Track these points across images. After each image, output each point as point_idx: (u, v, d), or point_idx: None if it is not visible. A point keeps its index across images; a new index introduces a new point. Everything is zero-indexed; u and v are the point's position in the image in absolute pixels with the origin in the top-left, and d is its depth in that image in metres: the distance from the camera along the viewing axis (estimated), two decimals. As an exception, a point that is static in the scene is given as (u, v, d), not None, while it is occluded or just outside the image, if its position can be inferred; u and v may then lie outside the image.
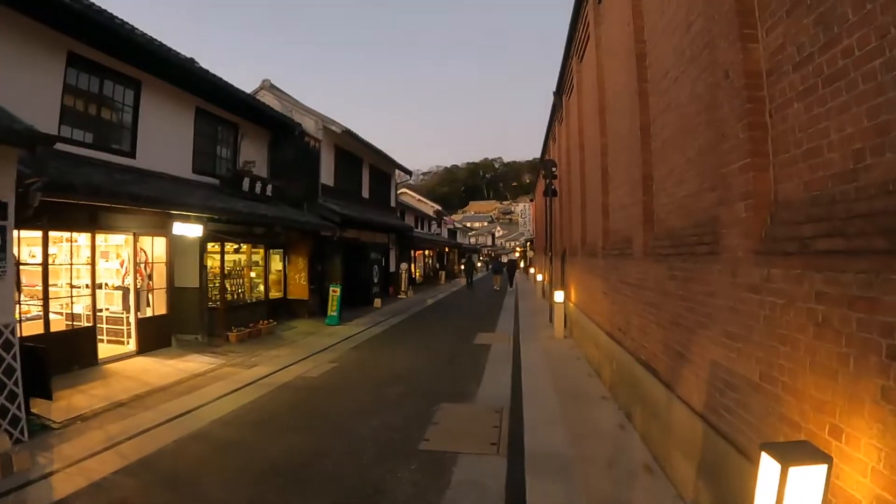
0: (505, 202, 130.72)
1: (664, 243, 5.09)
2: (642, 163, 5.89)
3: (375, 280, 21.41)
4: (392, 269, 25.53)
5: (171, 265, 11.42)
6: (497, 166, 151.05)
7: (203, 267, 12.28)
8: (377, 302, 20.41)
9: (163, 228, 10.84)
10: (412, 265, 32.27)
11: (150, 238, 11.10)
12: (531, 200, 50.10)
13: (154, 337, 10.91)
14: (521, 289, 30.52)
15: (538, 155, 24.82)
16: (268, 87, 18.44)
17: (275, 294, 15.82)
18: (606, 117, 8.65)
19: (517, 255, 62.12)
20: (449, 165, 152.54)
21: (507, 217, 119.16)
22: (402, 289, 25.40)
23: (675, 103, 5.09)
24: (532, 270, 36.53)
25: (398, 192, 40.58)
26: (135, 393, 8.25)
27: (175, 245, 11.74)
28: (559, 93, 15.05)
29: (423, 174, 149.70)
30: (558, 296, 12.57)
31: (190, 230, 11.00)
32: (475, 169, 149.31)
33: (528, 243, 49.73)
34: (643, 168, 5.87)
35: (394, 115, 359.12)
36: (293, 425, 6.66)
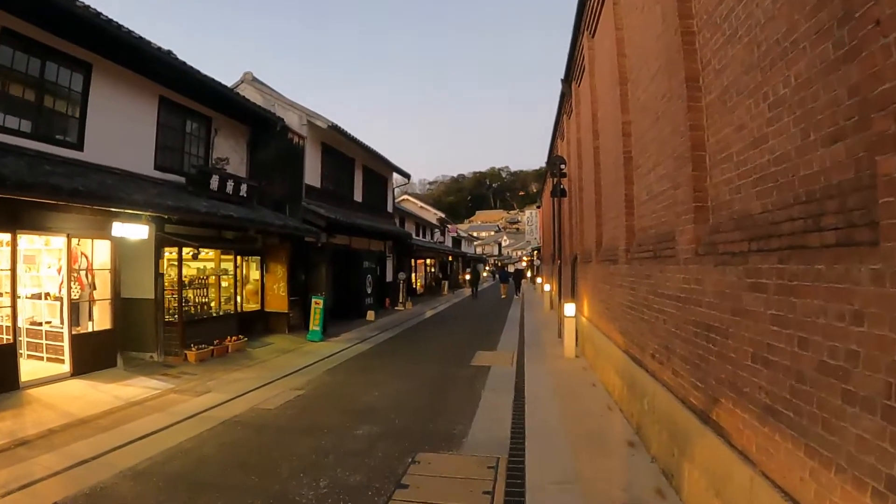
0: (512, 211, 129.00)
1: (734, 236, 3.38)
2: (689, 128, 4.20)
3: (369, 291, 19.73)
4: (389, 278, 23.85)
5: (116, 272, 9.85)
6: (504, 175, 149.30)
7: (159, 275, 10.69)
8: (370, 315, 18.73)
9: (105, 230, 9.26)
10: (412, 275, 30.63)
11: (90, 241, 9.55)
12: (538, 207, 48.35)
13: (94, 356, 9.31)
14: (528, 299, 28.79)
15: (545, 164, 23.08)
16: (250, 79, 16.92)
17: (251, 306, 14.17)
18: (629, 89, 6.97)
19: (524, 264, 60.50)
20: (455, 175, 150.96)
21: (514, 226, 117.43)
22: (400, 300, 23.70)
23: (742, 29, 3.42)
24: (539, 280, 34.75)
25: (399, 198, 39.13)
26: (48, 427, 6.72)
27: (125, 250, 10.22)
28: (567, 80, 13.38)
29: (429, 183, 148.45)
30: (568, 309, 10.84)
31: (133, 231, 9.40)
32: (482, 178, 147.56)
33: (535, 252, 47.98)
34: (691, 135, 4.18)
35: (399, 123, 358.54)
36: (216, 483, 4.97)
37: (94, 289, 9.75)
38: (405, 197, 43.23)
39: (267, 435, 6.37)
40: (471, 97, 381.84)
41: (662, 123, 5.20)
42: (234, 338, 11.76)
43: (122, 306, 10.32)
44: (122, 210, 8.96)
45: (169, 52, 11.21)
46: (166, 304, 10.78)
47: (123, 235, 9.36)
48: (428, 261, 35.26)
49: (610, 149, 8.32)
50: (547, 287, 23.18)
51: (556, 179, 13.25)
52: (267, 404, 7.76)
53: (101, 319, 9.75)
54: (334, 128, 16.18)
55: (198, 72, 12.22)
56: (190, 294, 11.49)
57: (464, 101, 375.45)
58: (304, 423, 6.78)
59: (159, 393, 8.46)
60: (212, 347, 11.05)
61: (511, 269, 57.66)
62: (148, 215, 9.76)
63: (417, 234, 33.99)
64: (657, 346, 5.13)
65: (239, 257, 13.99)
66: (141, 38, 10.52)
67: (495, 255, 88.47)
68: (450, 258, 42.47)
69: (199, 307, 11.60)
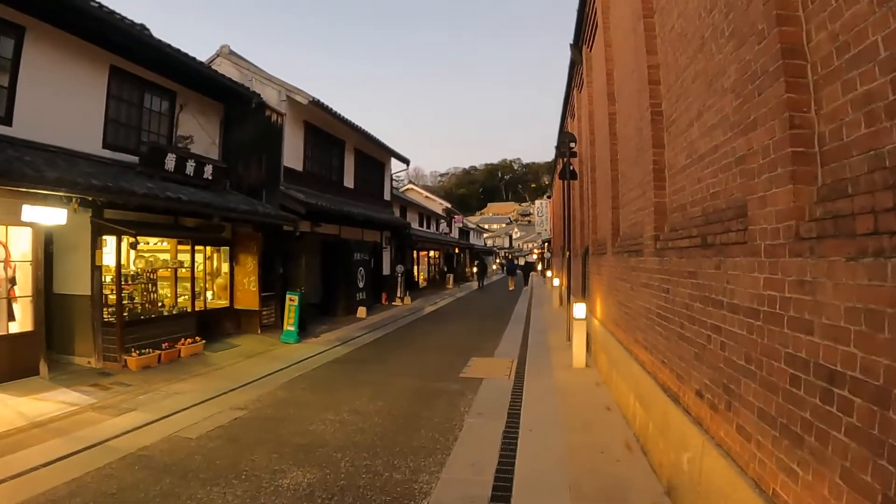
0: (523, 204, 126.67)
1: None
2: (775, 22, 2.45)
3: (360, 285, 18.04)
4: (386, 271, 22.15)
5: (39, 264, 8.31)
6: (516, 167, 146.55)
7: (96, 268, 9.14)
8: (361, 311, 17.05)
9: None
10: (415, 267, 28.97)
11: (4, 228, 8.02)
12: (548, 197, 46.47)
13: (10, 363, 7.89)
14: (537, 294, 27.03)
15: (556, 147, 21.09)
16: (226, 53, 15.23)
17: (220, 303, 12.56)
18: (657, 22, 5.20)
19: (535, 256, 58.85)
20: (467, 167, 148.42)
21: (526, 219, 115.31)
22: (398, 295, 22.00)
23: None
24: (549, 274, 32.95)
25: (403, 187, 37.43)
26: None
27: (59, 239, 8.95)
28: (577, 44, 11.56)
29: (441, 175, 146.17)
30: (578, 310, 9.09)
31: (48, 216, 7.79)
32: (494, 170, 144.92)
33: (546, 244, 46.12)
34: (780, 34, 2.43)
35: (411, 115, 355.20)
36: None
37: (14, 284, 8.21)
38: (410, 186, 41.44)
39: (166, 480, 4.72)
40: (484, 89, 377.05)
41: (715, 44, 3.45)
42: (188, 340, 10.13)
43: (56, 304, 8.99)
44: (33, 190, 7.37)
45: (112, 12, 9.55)
46: (107, 301, 9.23)
47: (36, 220, 7.77)
48: (432, 253, 33.52)
49: (630, 111, 6.55)
50: (556, 281, 21.40)
51: (565, 159, 11.49)
52: (191, 431, 6.12)
53: (22, 320, 8.24)
54: (316, 103, 14.44)
55: (151, 37, 10.63)
56: (136, 289, 9.87)
57: (477, 92, 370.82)
58: (221, 463, 5.11)
59: (75, 410, 6.96)
60: (159, 352, 9.45)
61: (521, 261, 56.16)
62: (78, 198, 8.20)
63: (421, 225, 32.24)
64: (707, 382, 3.39)
65: (207, 248, 12.44)
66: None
67: (506, 248, 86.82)
68: (456, 250, 40.70)
69: (146, 305, 9.97)
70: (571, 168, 11.49)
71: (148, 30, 10.72)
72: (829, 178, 2.18)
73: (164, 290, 10.74)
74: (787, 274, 2.34)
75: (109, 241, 9.37)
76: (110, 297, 9.28)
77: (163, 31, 10.48)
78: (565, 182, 12.05)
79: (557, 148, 16.09)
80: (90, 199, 8.24)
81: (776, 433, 2.46)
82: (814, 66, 2.30)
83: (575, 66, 12.60)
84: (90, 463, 5.16)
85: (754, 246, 2.66)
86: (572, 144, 11.42)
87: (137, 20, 10.40)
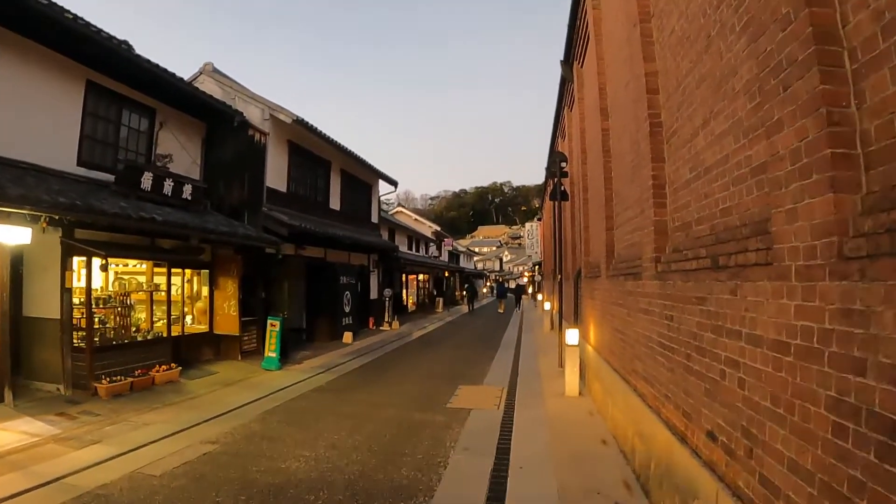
0: (514, 227, 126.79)
1: None
2: (806, 2, 2.10)
3: (347, 309, 17.52)
4: (374, 295, 21.66)
5: (3, 286, 7.90)
6: (506, 190, 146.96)
7: (65, 290, 8.69)
8: (347, 336, 16.51)
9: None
10: (403, 291, 28.50)
11: (-38, 248, 7.58)
12: (538, 220, 46.30)
13: (-34, 393, 7.31)
14: (528, 318, 26.58)
15: (545, 169, 20.85)
16: (209, 71, 14.92)
17: (200, 328, 12.05)
18: (654, 26, 4.88)
19: (525, 279, 58.54)
20: (457, 190, 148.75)
21: (517, 242, 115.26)
22: (386, 319, 21.49)
23: None
24: (540, 297, 32.57)
25: (392, 210, 37.15)
26: None
27: (32, 260, 8.75)
28: (568, 61, 11.31)
29: (431, 198, 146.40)
30: (571, 336, 8.68)
31: (9, 234, 7.32)
32: (484, 193, 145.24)
33: (536, 267, 45.79)
34: (816, 17, 2.08)
35: (401, 138, 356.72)
36: None
37: (-25, 308, 7.73)
38: (399, 209, 41.20)
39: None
40: (473, 112, 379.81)
41: (723, 43, 3.11)
42: (163, 367, 9.61)
43: (25, 327, 8.68)
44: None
45: (89, 24, 9.21)
46: (78, 325, 8.77)
47: (-5, 240, 7.32)
48: (421, 276, 33.05)
49: (625, 125, 6.23)
50: (547, 305, 21.00)
51: (556, 180, 11.17)
52: (156, 467, 5.63)
53: (-15, 345, 7.76)
54: (300, 122, 14.10)
55: (130, 52, 10.31)
56: (109, 313, 9.38)
57: (467, 115, 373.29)
58: (180, 509, 4.64)
59: (37, 441, 6.47)
60: (131, 379, 8.95)
61: (512, 284, 55.88)
62: (46, 217, 7.78)
63: (410, 248, 31.83)
64: (721, 423, 2.98)
65: (187, 271, 11.97)
66: (52, 3, 8.59)
67: (496, 271, 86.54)
68: (445, 273, 40.25)
69: (120, 329, 9.46)
70: (562, 189, 11.17)
71: (130, 46, 10.40)
72: (878, 185, 1.81)
73: (139, 314, 10.25)
74: (828, 301, 1.95)
75: (80, 262, 8.92)
76: (81, 320, 8.81)
77: (165, 49, 10.08)
78: (556, 203, 11.74)
79: (548, 168, 15.83)
80: (57, 217, 7.80)
81: (813, 491, 2.05)
82: (852, 52, 1.95)
83: (566, 83, 12.36)
84: (43, 501, 4.75)
85: (782, 268, 2.27)
86: (563, 164, 11.12)
87: (142, 36, 10.17)
